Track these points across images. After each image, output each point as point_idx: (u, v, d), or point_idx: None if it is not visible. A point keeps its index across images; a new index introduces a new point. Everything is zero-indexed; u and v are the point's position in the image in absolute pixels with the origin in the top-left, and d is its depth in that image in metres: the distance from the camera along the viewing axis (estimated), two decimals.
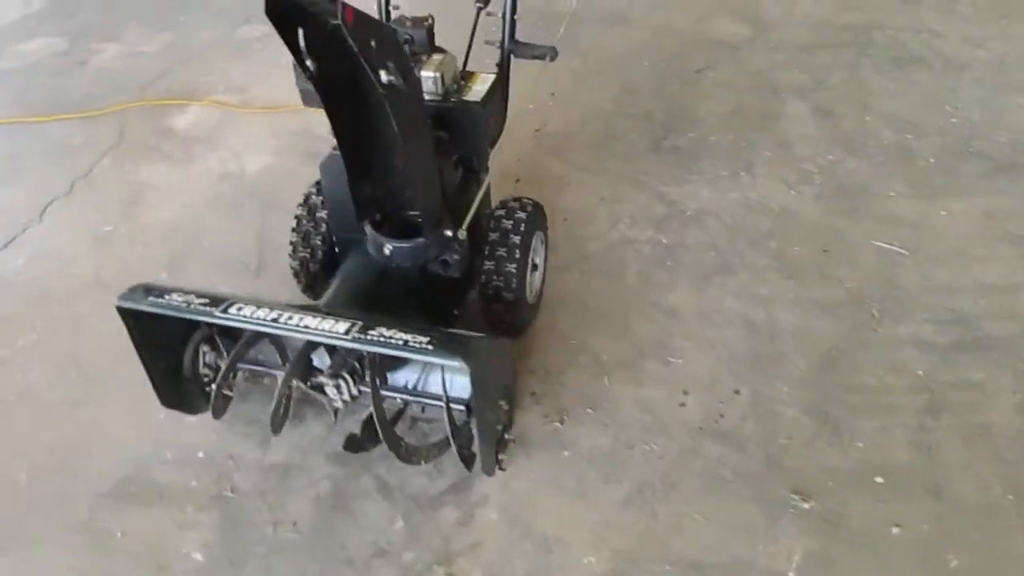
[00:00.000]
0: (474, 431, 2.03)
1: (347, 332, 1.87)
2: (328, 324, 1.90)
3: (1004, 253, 2.96)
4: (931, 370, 2.51)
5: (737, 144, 3.59)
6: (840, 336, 2.65)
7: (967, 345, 2.59)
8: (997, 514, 2.13)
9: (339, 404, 2.21)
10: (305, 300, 2.75)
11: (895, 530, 2.10)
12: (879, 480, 2.22)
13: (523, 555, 2.08)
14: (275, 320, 1.92)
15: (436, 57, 2.33)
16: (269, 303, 1.98)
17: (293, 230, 2.60)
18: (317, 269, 2.62)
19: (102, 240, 3.20)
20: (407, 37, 2.34)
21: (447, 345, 1.85)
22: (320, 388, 2.17)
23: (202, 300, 1.98)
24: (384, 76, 1.78)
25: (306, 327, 1.90)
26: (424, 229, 2.22)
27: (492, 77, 2.45)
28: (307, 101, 2.42)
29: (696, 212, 3.21)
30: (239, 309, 1.95)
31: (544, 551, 2.09)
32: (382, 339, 1.85)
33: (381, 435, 2.07)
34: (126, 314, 2.03)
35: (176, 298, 1.98)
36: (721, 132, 3.68)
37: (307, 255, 2.60)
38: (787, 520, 2.13)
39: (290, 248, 2.62)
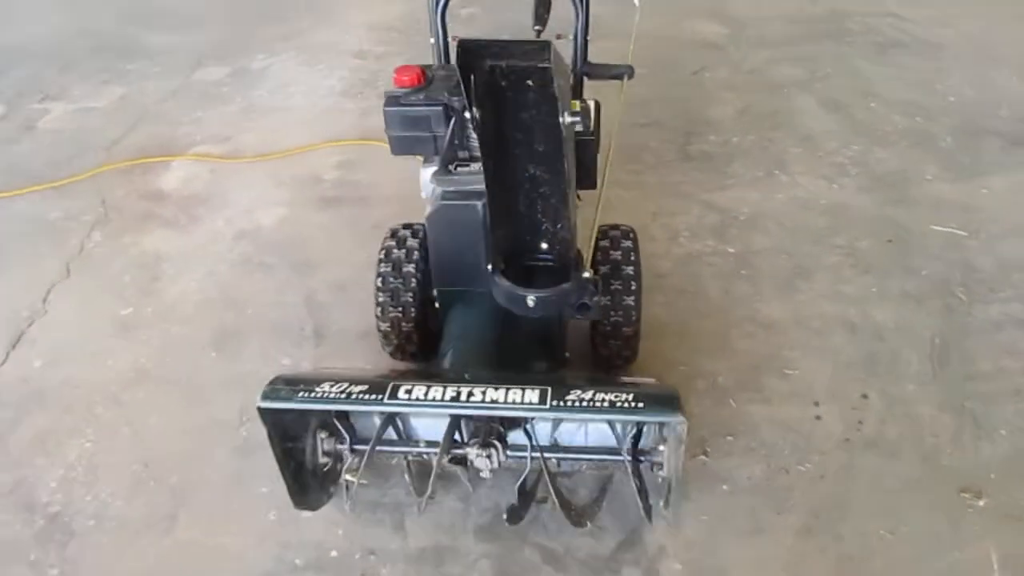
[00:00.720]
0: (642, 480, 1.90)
1: (543, 402, 1.69)
2: (516, 395, 1.72)
3: None
4: None
5: (761, 143, 3.59)
6: (939, 326, 2.66)
7: None
8: None
9: (487, 474, 2.01)
10: (395, 365, 2.54)
11: None
12: None
13: None
14: (455, 399, 1.72)
15: None
16: (432, 379, 1.78)
17: (379, 289, 2.37)
18: (411, 328, 2.41)
19: (126, 325, 2.84)
20: None
21: (659, 401, 1.70)
22: (461, 460, 1.98)
23: (361, 388, 1.75)
24: (568, 116, 1.63)
25: (494, 402, 1.71)
26: (568, 273, 2.05)
27: (587, 104, 2.30)
28: (397, 150, 2.22)
29: (750, 217, 3.17)
30: (408, 392, 1.74)
31: None
32: (586, 405, 1.69)
33: (556, 501, 1.91)
34: (268, 414, 1.78)
35: (330, 389, 1.75)
36: (740, 133, 3.67)
37: (399, 314, 2.38)
38: (969, 522, 2.09)
39: (377, 310, 2.39)
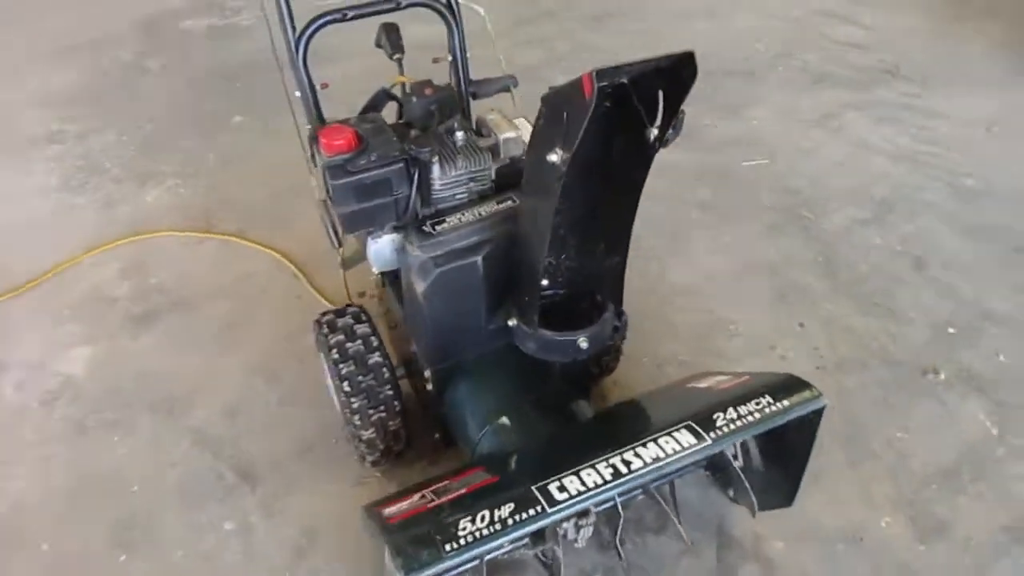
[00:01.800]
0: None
1: (701, 439, 1.53)
2: (673, 444, 1.53)
3: None
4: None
5: None
6: (810, 245, 2.96)
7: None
8: None
9: (581, 544, 1.79)
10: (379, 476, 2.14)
11: None
12: None
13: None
14: (618, 474, 1.48)
15: (495, 117, 1.93)
16: (558, 466, 1.51)
17: (348, 395, 1.95)
18: (399, 425, 2.04)
19: None
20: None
21: (792, 391, 1.64)
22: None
23: (506, 507, 1.42)
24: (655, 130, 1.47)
25: (657, 459, 1.51)
26: (599, 303, 1.86)
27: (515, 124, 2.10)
28: (353, 226, 1.84)
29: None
30: (563, 488, 1.45)
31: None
32: (740, 424, 1.57)
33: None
34: None
35: (472, 525, 1.39)
36: None
37: (382, 415, 1.99)
38: (945, 394, 2.37)
39: (352, 419, 1.98)
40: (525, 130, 1.89)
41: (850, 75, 4.07)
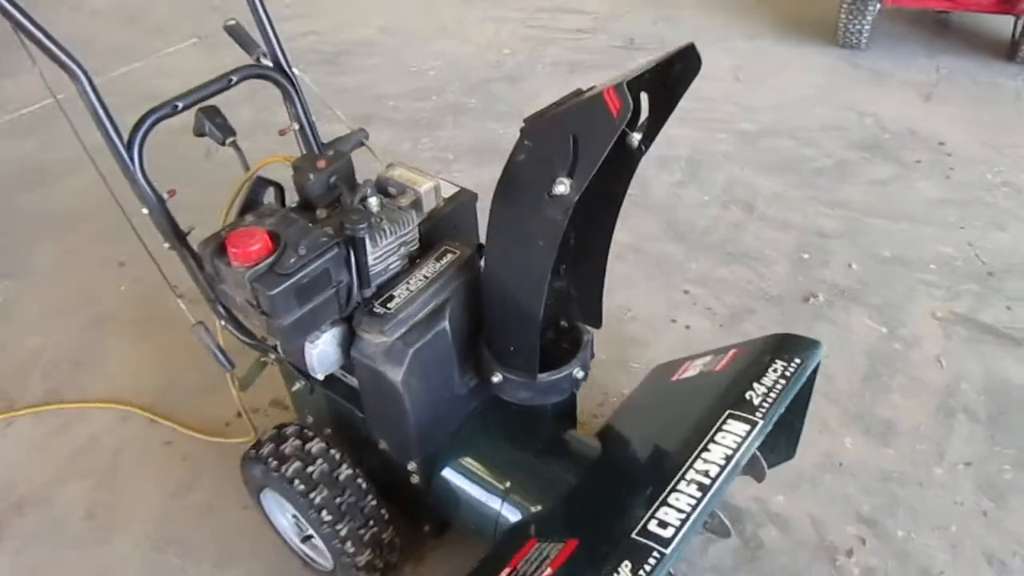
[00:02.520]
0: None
1: (752, 423, 1.50)
2: (730, 438, 1.48)
3: None
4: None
5: None
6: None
7: None
8: None
9: None
10: None
11: None
12: None
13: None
14: (705, 486, 1.40)
15: (401, 171, 1.74)
16: (651, 495, 1.41)
17: (331, 525, 1.67)
18: (391, 534, 1.78)
19: None
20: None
21: (800, 349, 1.66)
22: None
23: (627, 567, 1.28)
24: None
25: (728, 458, 1.44)
26: (582, 325, 1.75)
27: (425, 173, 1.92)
28: (296, 336, 1.57)
29: None
30: (663, 525, 1.34)
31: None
32: (774, 395, 1.55)
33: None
34: None
35: None
36: None
37: (376, 530, 1.73)
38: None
39: (344, 547, 1.69)
40: (434, 179, 1.74)
41: (597, 58, 4.32)
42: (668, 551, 1.30)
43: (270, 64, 1.85)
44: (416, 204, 1.68)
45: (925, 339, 2.46)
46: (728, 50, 4.29)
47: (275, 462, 1.71)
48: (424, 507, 1.84)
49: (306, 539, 1.92)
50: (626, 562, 1.29)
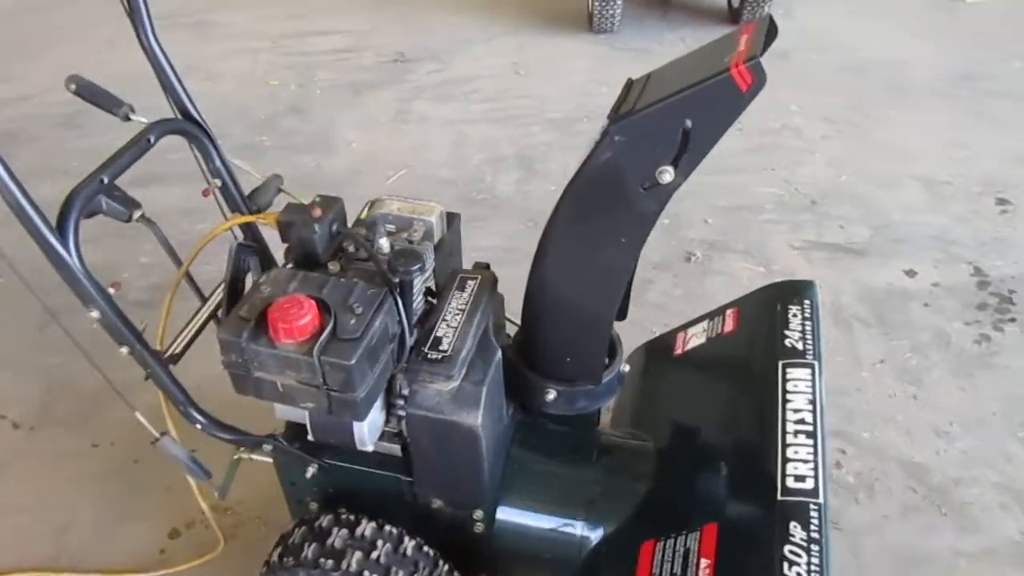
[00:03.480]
0: None
1: (807, 367, 1.58)
2: (802, 384, 1.55)
3: None
4: None
5: None
6: None
7: None
8: None
9: None
10: None
11: None
12: None
13: None
14: (810, 434, 1.45)
15: (398, 203, 1.56)
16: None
17: None
18: None
19: None
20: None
21: (798, 289, 1.78)
22: None
23: (798, 531, 1.29)
24: None
25: (811, 401, 1.51)
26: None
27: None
28: (369, 405, 1.35)
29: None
30: (799, 479, 1.37)
31: None
32: (808, 333, 1.65)
33: None
34: None
35: (804, 568, 1.24)
36: None
37: None
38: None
39: None
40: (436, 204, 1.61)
41: (374, 75, 4.21)
42: (821, 500, 1.34)
43: (178, 117, 1.58)
44: (428, 235, 1.53)
45: (796, 268, 2.77)
46: (498, 49, 4.42)
47: (330, 561, 1.46)
48: (482, 558, 1.70)
49: None
50: (791, 523, 1.30)
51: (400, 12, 4.92)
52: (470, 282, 1.55)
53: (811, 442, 1.44)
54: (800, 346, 1.63)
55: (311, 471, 1.59)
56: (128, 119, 1.57)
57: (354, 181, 3.29)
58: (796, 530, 1.30)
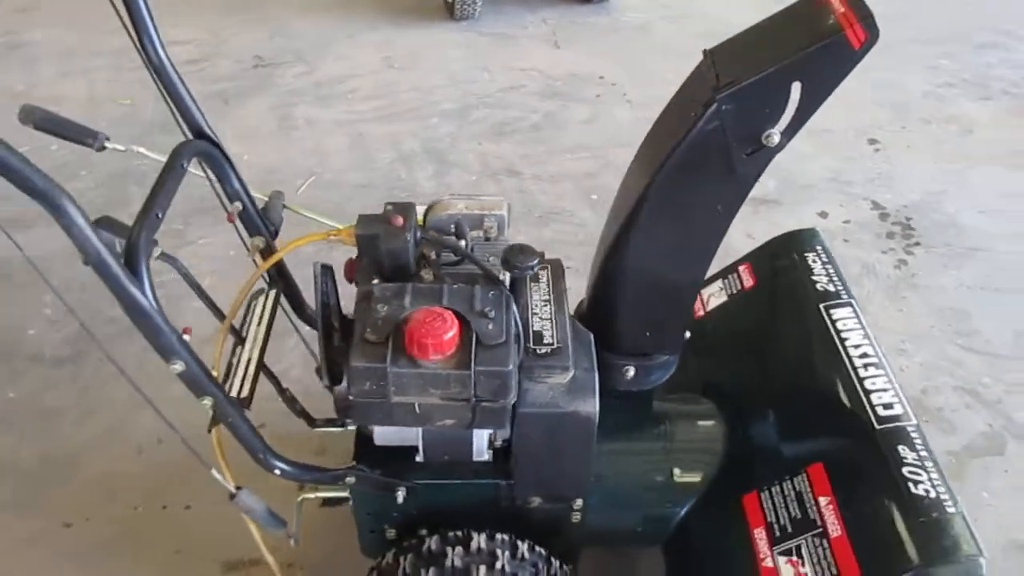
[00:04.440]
0: None
1: (849, 306, 1.69)
2: (851, 321, 1.66)
3: None
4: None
5: None
6: None
7: None
8: None
9: None
10: None
11: None
12: None
13: None
14: (877, 364, 1.57)
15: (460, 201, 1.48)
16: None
17: None
18: None
19: None
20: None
21: (804, 237, 1.90)
22: None
23: (908, 451, 1.40)
24: None
25: (867, 336, 1.63)
26: None
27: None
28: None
29: None
30: (887, 407, 1.48)
31: None
32: (833, 275, 1.78)
33: None
34: None
35: (929, 485, 1.35)
36: None
37: None
38: None
39: None
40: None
41: (239, 83, 3.92)
42: (915, 421, 1.46)
43: (191, 138, 1.43)
44: (501, 229, 1.48)
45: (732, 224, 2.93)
46: (363, 45, 4.27)
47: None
48: (576, 545, 1.69)
49: None
50: (899, 447, 1.41)
51: (246, 16, 4.61)
52: (541, 272, 1.52)
53: (882, 372, 1.55)
54: (832, 288, 1.75)
55: (401, 495, 1.50)
56: (104, 149, 1.41)
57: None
58: (906, 452, 1.41)
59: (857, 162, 3.30)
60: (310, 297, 1.61)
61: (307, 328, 1.71)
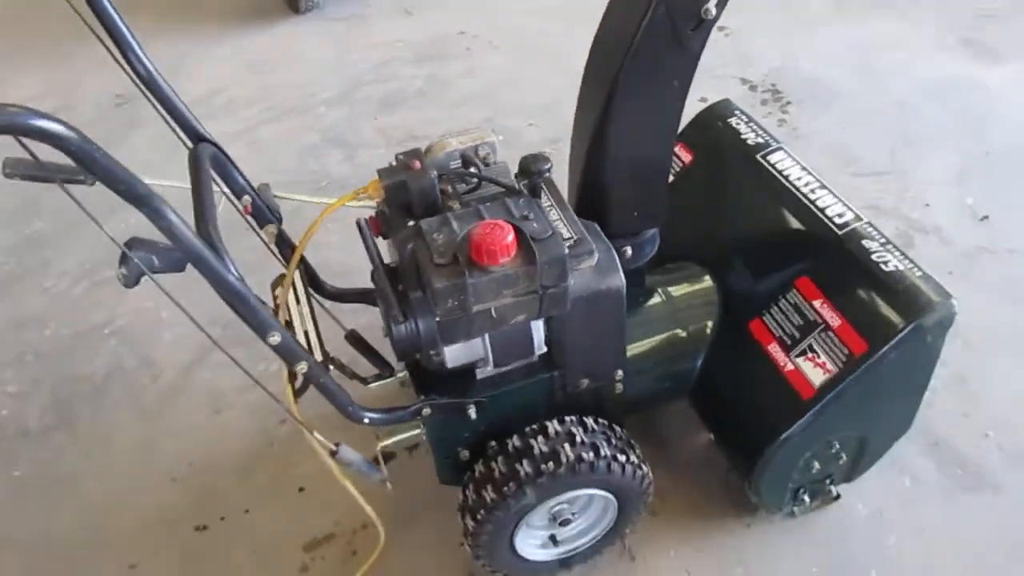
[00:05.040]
0: None
1: (814, 180, 1.89)
2: (787, 163, 1.94)
3: None
4: None
5: None
6: None
7: None
8: None
9: None
10: None
11: None
12: None
13: None
14: (814, 181, 1.86)
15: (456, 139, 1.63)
16: None
17: (629, 464, 1.67)
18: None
19: None
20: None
21: (720, 110, 2.17)
22: None
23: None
24: None
25: (802, 168, 1.92)
26: None
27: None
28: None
29: None
30: (827, 209, 1.78)
31: None
32: (763, 134, 2.06)
33: None
34: None
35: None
36: None
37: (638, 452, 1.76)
38: None
39: (644, 493, 1.70)
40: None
41: (112, 125, 3.81)
42: (865, 219, 1.76)
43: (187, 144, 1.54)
44: (494, 153, 1.64)
45: None
46: (216, 56, 4.20)
47: (549, 463, 1.58)
48: (619, 418, 1.89)
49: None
50: (862, 241, 1.71)
51: (88, 53, 4.43)
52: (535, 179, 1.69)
53: (826, 191, 1.84)
54: (762, 140, 2.03)
55: (472, 412, 1.65)
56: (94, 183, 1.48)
57: None
58: (869, 244, 1.70)
59: (714, 49, 3.63)
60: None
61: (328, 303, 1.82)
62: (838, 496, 1.91)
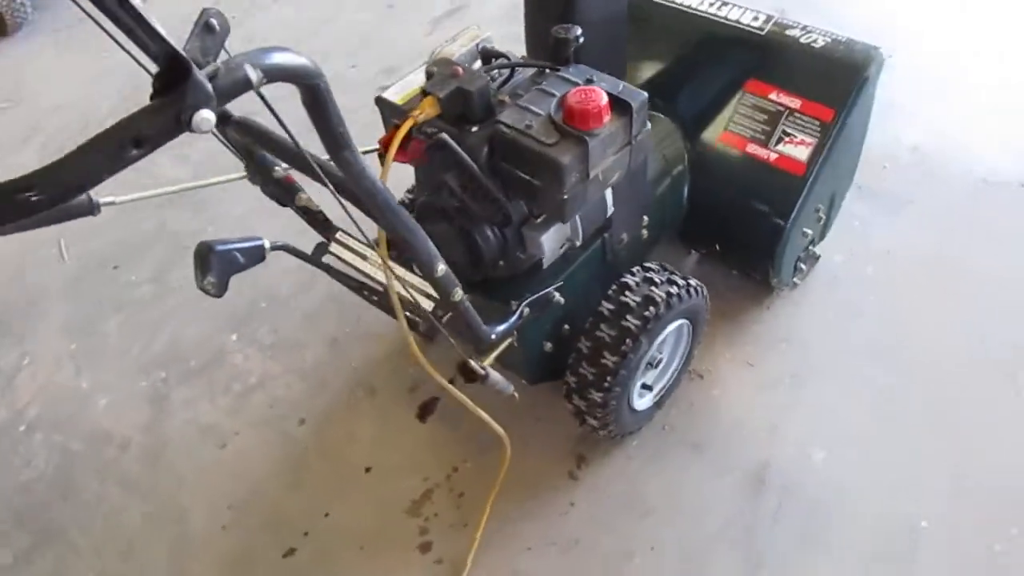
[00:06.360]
0: None
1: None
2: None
3: None
4: None
5: None
6: None
7: None
8: None
9: None
10: None
11: None
12: None
13: None
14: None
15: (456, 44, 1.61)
16: None
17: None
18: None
19: None
20: None
21: None
22: None
23: None
24: None
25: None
26: None
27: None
28: None
29: None
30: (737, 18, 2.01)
31: None
32: None
33: None
34: None
35: None
36: None
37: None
38: None
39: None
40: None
41: None
42: (775, 14, 2.01)
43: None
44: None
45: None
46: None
47: (649, 308, 1.70)
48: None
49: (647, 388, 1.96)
50: (786, 31, 1.96)
51: None
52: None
53: (729, 5, 2.04)
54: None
55: (557, 298, 1.70)
56: (100, 211, 1.36)
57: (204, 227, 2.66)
58: (793, 32, 1.96)
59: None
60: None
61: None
62: (819, 256, 2.23)
